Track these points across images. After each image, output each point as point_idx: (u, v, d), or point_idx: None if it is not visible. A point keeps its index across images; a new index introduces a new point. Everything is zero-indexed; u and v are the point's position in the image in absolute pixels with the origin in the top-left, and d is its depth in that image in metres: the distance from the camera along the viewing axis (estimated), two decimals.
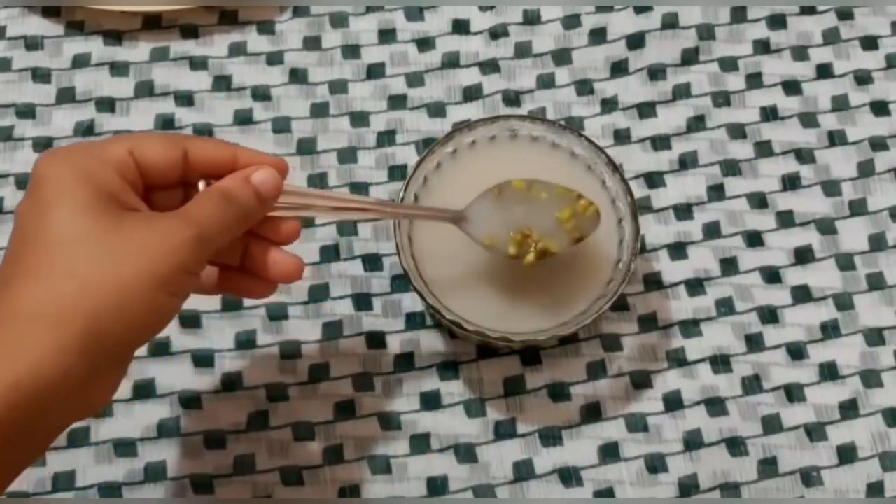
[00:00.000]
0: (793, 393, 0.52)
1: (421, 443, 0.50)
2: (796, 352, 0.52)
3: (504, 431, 0.51)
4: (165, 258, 0.36)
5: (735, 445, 0.51)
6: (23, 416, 0.33)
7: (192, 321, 0.52)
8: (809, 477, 0.50)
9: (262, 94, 0.58)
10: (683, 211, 0.55)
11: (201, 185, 0.40)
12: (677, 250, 0.54)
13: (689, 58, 0.59)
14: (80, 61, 0.58)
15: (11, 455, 0.34)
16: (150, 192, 0.40)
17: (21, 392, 0.33)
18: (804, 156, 0.57)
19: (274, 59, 0.58)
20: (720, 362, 0.52)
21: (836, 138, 0.57)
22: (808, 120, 0.58)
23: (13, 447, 0.34)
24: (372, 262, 0.54)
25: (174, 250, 0.36)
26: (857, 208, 0.56)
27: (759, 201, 0.56)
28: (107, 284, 0.35)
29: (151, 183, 0.40)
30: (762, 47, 0.59)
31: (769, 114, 0.58)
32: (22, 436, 0.34)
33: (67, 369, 0.34)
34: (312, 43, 0.59)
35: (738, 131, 0.57)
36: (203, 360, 0.52)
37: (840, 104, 0.58)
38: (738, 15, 0.60)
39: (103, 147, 0.38)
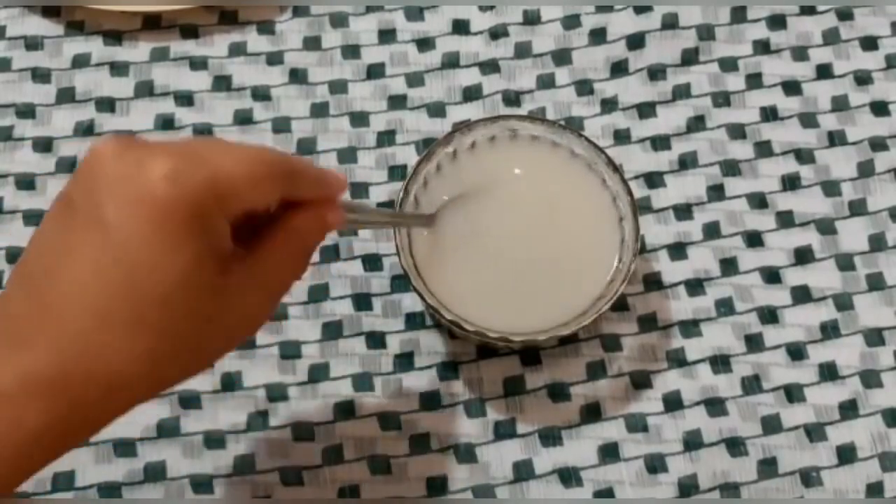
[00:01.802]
0: (793, 393, 0.52)
1: (421, 443, 0.50)
2: (796, 352, 0.52)
3: (504, 431, 0.51)
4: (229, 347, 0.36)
5: (735, 446, 0.51)
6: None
7: None
8: (809, 477, 0.50)
9: (262, 94, 0.58)
10: (683, 211, 0.55)
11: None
12: (677, 250, 0.55)
13: (689, 58, 0.59)
14: (80, 61, 0.58)
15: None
16: None
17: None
18: (804, 156, 0.57)
19: (274, 59, 0.58)
20: (720, 362, 0.52)
21: (836, 139, 0.57)
22: (808, 120, 0.58)
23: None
24: (372, 262, 0.54)
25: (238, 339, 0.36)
26: (857, 208, 0.56)
27: (759, 201, 0.56)
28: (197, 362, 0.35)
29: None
30: (762, 47, 0.59)
31: (769, 114, 0.58)
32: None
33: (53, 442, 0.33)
34: (312, 43, 0.59)
35: (738, 131, 0.57)
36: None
37: (840, 104, 0.58)
38: (738, 15, 0.60)
39: (229, 182, 0.33)
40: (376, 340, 0.52)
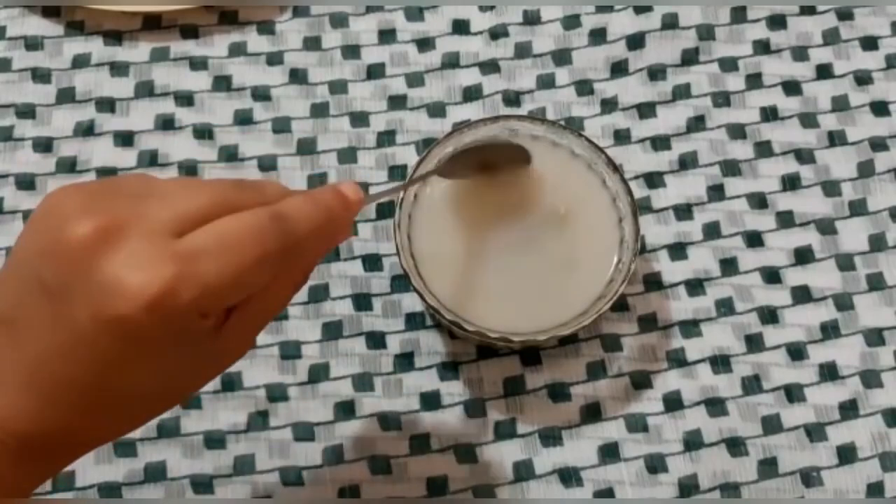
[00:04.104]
0: (793, 393, 0.52)
1: (421, 443, 0.50)
2: (796, 352, 0.52)
3: (504, 431, 0.51)
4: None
5: (735, 446, 0.51)
6: None
7: None
8: (809, 477, 0.50)
9: (262, 94, 0.58)
10: (683, 211, 0.55)
11: None
12: (677, 250, 0.55)
13: (689, 58, 0.59)
14: (80, 61, 0.58)
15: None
16: None
17: None
18: (804, 156, 0.57)
19: (274, 59, 0.58)
20: (720, 362, 0.52)
21: (836, 139, 0.57)
22: (808, 120, 0.58)
23: None
24: (372, 262, 0.54)
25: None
26: (857, 208, 0.56)
27: (759, 201, 0.56)
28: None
29: None
30: (762, 47, 0.59)
31: (769, 114, 0.58)
32: None
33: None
34: (312, 43, 0.59)
35: (738, 132, 0.57)
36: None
37: (840, 104, 0.58)
38: (738, 15, 0.60)
39: (212, 308, 0.33)
40: (376, 340, 0.52)
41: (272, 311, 0.36)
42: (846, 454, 0.50)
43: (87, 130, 0.57)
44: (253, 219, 0.32)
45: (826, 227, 0.55)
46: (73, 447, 0.35)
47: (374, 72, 0.58)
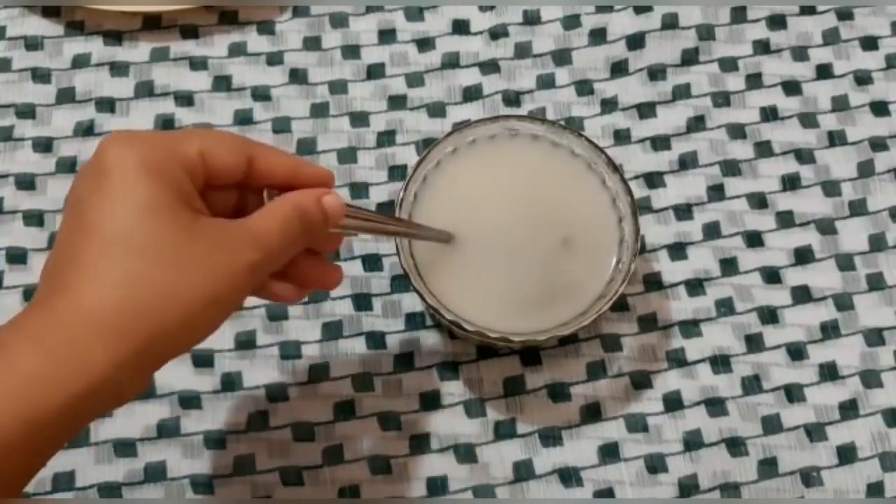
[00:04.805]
0: (793, 393, 0.52)
1: (421, 443, 0.50)
2: (796, 352, 0.52)
3: (504, 431, 0.51)
4: (229, 281, 0.35)
5: (735, 445, 0.51)
6: (67, 427, 0.33)
7: None
8: (809, 477, 0.50)
9: (262, 94, 0.58)
10: (683, 211, 0.55)
11: (265, 195, 0.39)
12: (677, 250, 0.55)
13: (689, 58, 0.59)
14: (80, 61, 0.58)
15: (46, 455, 0.34)
16: (206, 191, 0.38)
17: (75, 409, 0.32)
18: (804, 156, 0.57)
19: (274, 59, 0.58)
20: (720, 362, 0.52)
21: (836, 139, 0.57)
22: (808, 120, 0.58)
23: (51, 449, 0.34)
24: (372, 262, 0.54)
25: (238, 274, 0.35)
26: (857, 208, 0.56)
27: (759, 201, 0.56)
28: (171, 300, 0.34)
29: (211, 183, 0.38)
30: (762, 47, 0.59)
31: (769, 114, 0.58)
32: (61, 439, 0.34)
33: (122, 383, 0.33)
34: (312, 43, 0.59)
35: (738, 132, 0.57)
36: (203, 360, 0.52)
37: (840, 104, 0.58)
38: (738, 15, 0.60)
39: (177, 141, 0.36)
40: (376, 340, 0.52)
41: (265, 238, 0.37)
42: (846, 454, 0.50)
43: (87, 130, 0.57)
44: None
45: (826, 227, 0.55)
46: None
47: (374, 72, 0.58)
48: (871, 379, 0.52)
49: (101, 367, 0.33)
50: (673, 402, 0.51)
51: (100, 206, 0.34)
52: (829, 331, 0.53)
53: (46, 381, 0.32)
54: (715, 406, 0.51)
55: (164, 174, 0.35)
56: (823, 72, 0.59)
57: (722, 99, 0.58)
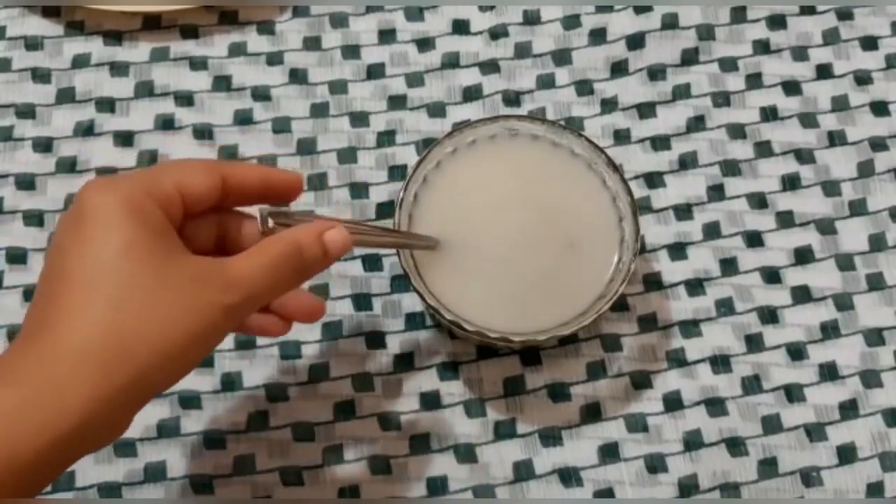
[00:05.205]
0: (793, 393, 0.52)
1: (421, 443, 0.50)
2: (796, 352, 0.52)
3: (504, 431, 0.51)
4: (206, 321, 0.35)
5: (735, 445, 0.51)
6: (46, 471, 0.33)
7: None
8: (809, 477, 0.50)
9: (262, 94, 0.58)
10: (683, 211, 0.55)
11: (258, 219, 0.38)
12: (677, 250, 0.55)
13: (689, 58, 0.59)
14: (80, 61, 0.58)
15: (25, 495, 0.34)
16: (186, 222, 0.39)
17: (55, 450, 0.32)
18: (804, 156, 0.57)
19: (274, 59, 0.58)
20: (720, 362, 0.52)
21: (835, 139, 0.57)
22: (808, 120, 0.58)
23: (30, 491, 0.33)
24: (372, 262, 0.54)
25: (215, 315, 0.36)
26: (857, 208, 0.56)
27: (758, 201, 0.56)
28: (149, 340, 0.34)
29: (190, 212, 0.38)
30: (762, 47, 0.59)
31: (769, 114, 0.58)
32: (39, 482, 0.34)
33: (102, 423, 0.33)
34: (312, 43, 0.59)
35: (737, 131, 0.57)
36: (203, 360, 0.51)
37: (840, 104, 0.58)
38: (738, 15, 0.60)
39: (152, 181, 0.37)
40: (376, 340, 0.52)
41: (249, 281, 0.38)
42: (846, 454, 0.50)
43: (87, 130, 0.57)
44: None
45: (826, 227, 0.55)
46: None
47: (374, 72, 0.58)
48: (871, 379, 0.52)
49: (82, 407, 0.33)
50: (673, 402, 0.51)
51: (79, 252, 0.35)
52: (829, 331, 0.53)
53: (25, 424, 0.32)
54: (715, 406, 0.51)
55: (141, 216, 0.35)
56: (823, 72, 0.59)
57: (722, 99, 0.58)
